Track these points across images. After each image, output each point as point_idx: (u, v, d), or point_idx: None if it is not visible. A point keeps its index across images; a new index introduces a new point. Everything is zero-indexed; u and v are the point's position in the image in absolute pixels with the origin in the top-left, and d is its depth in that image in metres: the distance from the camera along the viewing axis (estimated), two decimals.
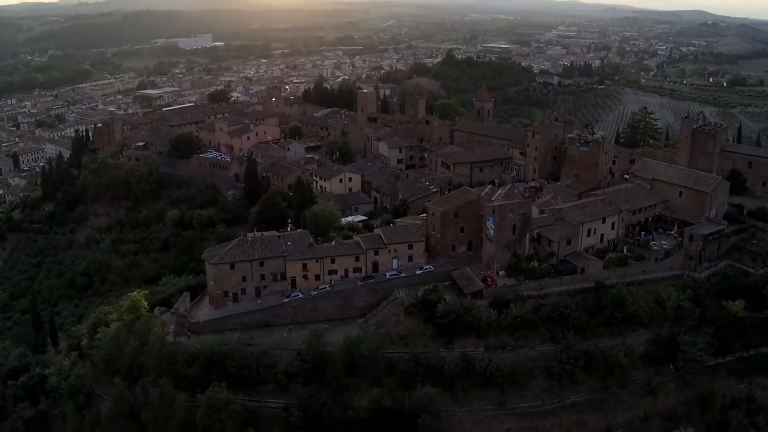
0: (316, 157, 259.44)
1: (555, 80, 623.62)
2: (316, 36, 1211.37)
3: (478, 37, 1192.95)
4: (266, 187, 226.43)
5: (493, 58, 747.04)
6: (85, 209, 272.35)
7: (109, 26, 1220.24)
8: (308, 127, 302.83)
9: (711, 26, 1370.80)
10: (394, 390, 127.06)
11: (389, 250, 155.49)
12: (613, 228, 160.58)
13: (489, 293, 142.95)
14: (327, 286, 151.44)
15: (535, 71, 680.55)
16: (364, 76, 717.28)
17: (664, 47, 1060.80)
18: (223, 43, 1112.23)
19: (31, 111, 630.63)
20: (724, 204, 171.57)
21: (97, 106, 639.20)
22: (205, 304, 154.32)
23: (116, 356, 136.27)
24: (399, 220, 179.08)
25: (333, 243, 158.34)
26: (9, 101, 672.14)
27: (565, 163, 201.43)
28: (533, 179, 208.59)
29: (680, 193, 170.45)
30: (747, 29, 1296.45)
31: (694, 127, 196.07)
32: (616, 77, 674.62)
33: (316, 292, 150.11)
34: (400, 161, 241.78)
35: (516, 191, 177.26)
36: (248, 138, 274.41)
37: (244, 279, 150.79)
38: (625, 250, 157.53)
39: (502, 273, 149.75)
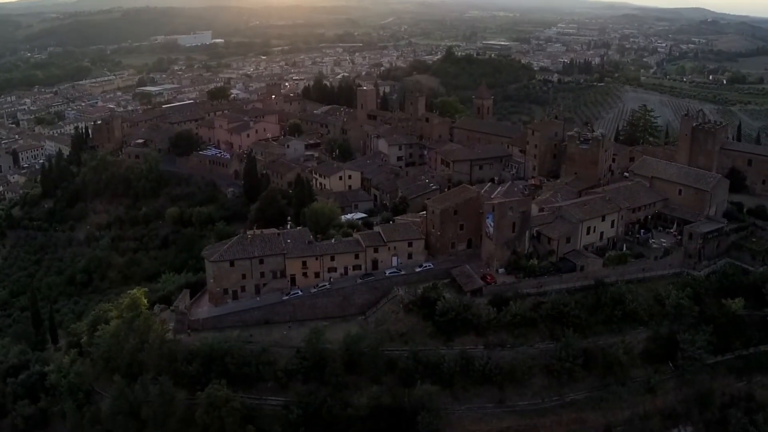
0: (316, 155, 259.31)
1: (555, 77, 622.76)
2: (315, 33, 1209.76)
3: (478, 34, 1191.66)
4: (266, 184, 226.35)
5: (492, 55, 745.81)
6: (84, 206, 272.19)
7: (109, 23, 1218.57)
8: (308, 125, 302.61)
9: (711, 24, 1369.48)
10: (394, 388, 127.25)
11: (389, 248, 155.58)
12: (612, 226, 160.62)
13: (488, 291, 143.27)
14: (326, 283, 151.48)
15: (535, 68, 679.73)
16: (363, 73, 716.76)
17: (663, 44, 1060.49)
18: (222, 40, 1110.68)
19: (31, 108, 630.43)
20: (724, 202, 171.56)
21: (96, 103, 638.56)
22: (205, 302, 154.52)
23: (116, 354, 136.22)
24: (398, 217, 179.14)
25: (333, 241, 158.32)
26: (8, 98, 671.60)
27: (565, 161, 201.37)
28: (533, 177, 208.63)
29: (680, 191, 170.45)
30: (747, 27, 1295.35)
31: (694, 125, 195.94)
32: (616, 75, 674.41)
33: (315, 290, 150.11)
34: (399, 159, 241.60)
35: (516, 189, 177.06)
36: (248, 135, 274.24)
37: (243, 276, 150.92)
38: (624, 248, 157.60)
39: (501, 271, 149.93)
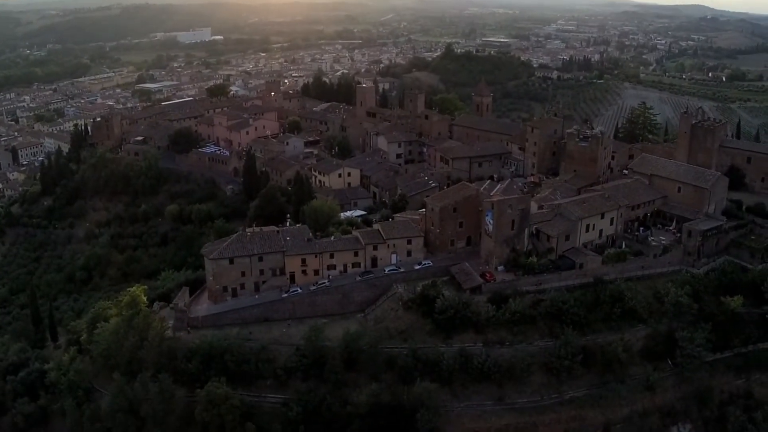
0: (315, 152, 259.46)
1: (554, 74, 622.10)
2: (314, 30, 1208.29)
3: (477, 31, 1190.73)
4: (265, 181, 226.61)
5: (492, 52, 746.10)
6: (84, 204, 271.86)
7: (108, 20, 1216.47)
8: (307, 122, 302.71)
9: (710, 21, 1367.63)
10: (393, 385, 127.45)
11: (388, 246, 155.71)
12: (611, 223, 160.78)
13: (488, 288, 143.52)
14: (326, 281, 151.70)
15: (534, 65, 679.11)
16: (363, 70, 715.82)
17: (663, 42, 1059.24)
18: (221, 37, 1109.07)
19: (30, 105, 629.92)
20: (723, 200, 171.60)
21: (95, 100, 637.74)
22: (204, 299, 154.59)
23: (115, 351, 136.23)
24: (398, 215, 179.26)
25: (332, 238, 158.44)
26: (8, 95, 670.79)
27: (564, 159, 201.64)
28: (532, 174, 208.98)
29: (679, 188, 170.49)
30: (746, 24, 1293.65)
31: (693, 122, 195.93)
32: (616, 72, 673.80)
33: (315, 287, 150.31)
34: (399, 156, 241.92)
35: (515, 186, 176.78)
36: (247, 132, 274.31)
37: (243, 274, 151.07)
38: (623, 246, 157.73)
39: (500, 268, 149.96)
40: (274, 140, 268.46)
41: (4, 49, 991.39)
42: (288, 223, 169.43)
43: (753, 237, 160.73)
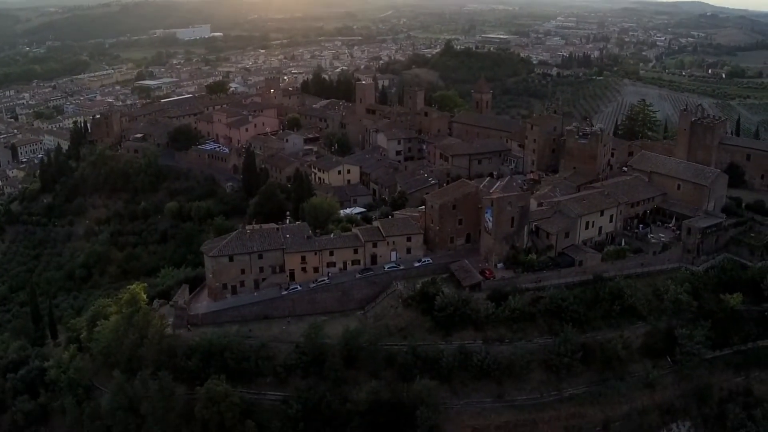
0: (315, 149, 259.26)
1: (554, 71, 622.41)
2: (314, 26, 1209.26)
3: (477, 28, 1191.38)
4: (265, 178, 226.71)
5: (491, 48, 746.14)
6: (83, 201, 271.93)
7: (107, 17, 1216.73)
8: (307, 119, 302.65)
9: (710, 17, 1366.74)
10: (393, 383, 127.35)
11: (388, 243, 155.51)
12: (611, 221, 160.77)
13: (487, 286, 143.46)
14: (325, 278, 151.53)
15: (534, 62, 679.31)
16: (362, 66, 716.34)
17: (662, 38, 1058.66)
18: (221, 34, 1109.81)
19: (30, 102, 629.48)
20: (723, 197, 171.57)
21: (95, 97, 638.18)
22: (204, 297, 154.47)
23: (115, 349, 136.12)
24: (397, 212, 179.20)
25: (331, 235, 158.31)
26: (7, 92, 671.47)
27: (564, 156, 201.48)
28: (532, 171, 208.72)
29: (678, 186, 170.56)
30: (746, 20, 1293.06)
31: (693, 119, 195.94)
32: (615, 68, 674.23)
33: (314, 285, 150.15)
34: (398, 153, 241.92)
35: (514, 183, 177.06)
36: (247, 129, 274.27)
37: (242, 271, 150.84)
38: (623, 243, 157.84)
39: (500, 265, 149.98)
40: (273, 137, 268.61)
41: (3, 46, 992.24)
42: (287, 221, 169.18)
43: (752, 234, 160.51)
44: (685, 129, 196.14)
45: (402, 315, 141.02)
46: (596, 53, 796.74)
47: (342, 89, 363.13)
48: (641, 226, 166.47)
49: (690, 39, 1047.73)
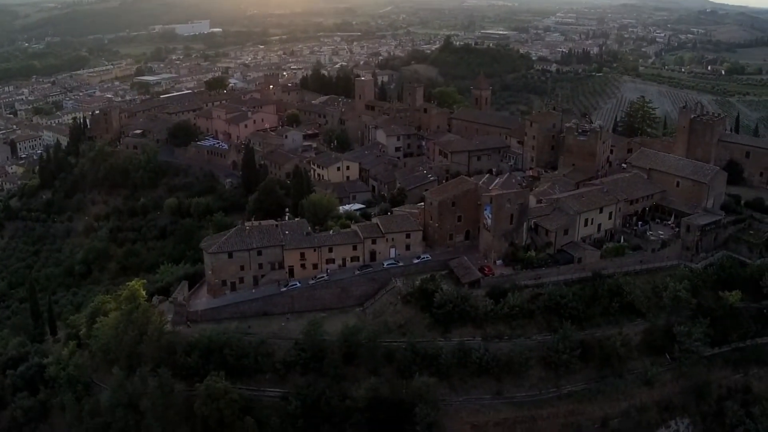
0: (314, 145, 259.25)
1: (553, 67, 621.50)
2: (314, 22, 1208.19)
3: (476, 24, 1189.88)
4: (264, 175, 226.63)
5: (491, 44, 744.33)
6: (82, 197, 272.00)
7: (107, 12, 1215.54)
8: (306, 115, 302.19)
9: (709, 14, 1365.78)
10: (392, 379, 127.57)
11: (387, 240, 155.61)
12: (610, 218, 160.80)
13: (486, 283, 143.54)
14: (325, 275, 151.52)
15: (533, 58, 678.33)
16: (361, 62, 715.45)
17: (662, 35, 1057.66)
18: (220, 29, 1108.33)
19: (29, 98, 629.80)
20: (722, 194, 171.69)
21: (94, 93, 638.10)
22: (203, 293, 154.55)
23: (115, 346, 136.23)
24: (397, 209, 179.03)
25: (331, 232, 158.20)
26: (6, 88, 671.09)
27: (563, 153, 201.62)
28: (531, 168, 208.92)
29: (678, 183, 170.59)
30: (746, 17, 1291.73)
31: (692, 116, 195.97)
32: (614, 65, 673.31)
33: (313, 281, 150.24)
34: (397, 149, 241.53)
35: (513, 180, 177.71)
36: (246, 126, 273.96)
37: (242, 268, 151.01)
38: (622, 240, 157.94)
39: (499, 262, 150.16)
40: (272, 133, 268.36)
41: (2, 42, 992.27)
42: (287, 217, 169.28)
43: (751, 232, 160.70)
44: (684, 126, 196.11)
45: (401, 312, 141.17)
46: (596, 49, 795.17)
47: (341, 85, 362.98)
48: (640, 223, 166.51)
49: (689, 35, 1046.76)
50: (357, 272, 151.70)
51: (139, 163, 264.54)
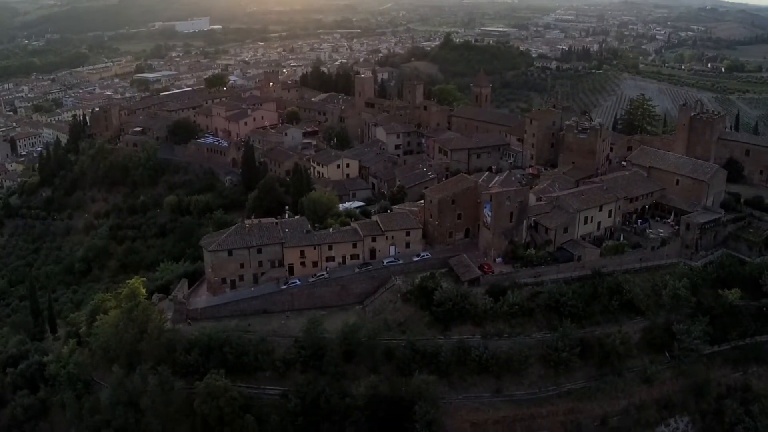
0: (314, 143, 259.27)
1: (553, 64, 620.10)
2: (313, 19, 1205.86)
3: (476, 21, 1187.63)
4: (264, 172, 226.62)
5: (491, 41, 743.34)
6: (82, 195, 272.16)
7: (106, 9, 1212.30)
8: (306, 112, 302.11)
9: (710, 11, 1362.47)
10: (391, 377, 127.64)
11: (387, 237, 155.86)
12: (610, 216, 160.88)
13: (486, 281, 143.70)
14: (324, 273, 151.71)
15: (533, 55, 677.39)
16: (361, 59, 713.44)
17: (662, 32, 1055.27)
18: (220, 26, 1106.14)
19: (28, 95, 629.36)
20: (721, 192, 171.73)
21: (94, 90, 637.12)
22: (203, 291, 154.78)
23: (115, 344, 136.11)
24: (396, 206, 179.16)
25: (330, 230, 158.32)
26: (6, 85, 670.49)
27: (563, 150, 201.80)
28: (530, 166, 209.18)
29: (677, 181, 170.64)
30: (746, 15, 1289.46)
31: (692, 114, 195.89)
32: (614, 62, 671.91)
33: (313, 279, 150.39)
34: (397, 147, 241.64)
35: (513, 178, 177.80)
36: (246, 123, 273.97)
37: (241, 266, 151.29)
38: (621, 238, 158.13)
39: (499, 260, 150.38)
40: (272, 131, 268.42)
41: (2, 39, 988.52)
42: (286, 215, 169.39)
43: (751, 230, 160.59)
44: (684, 124, 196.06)
45: (401, 310, 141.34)
46: (595, 47, 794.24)
47: (341, 82, 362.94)
48: (640, 221, 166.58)
49: (689, 33, 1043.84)
50: (357, 270, 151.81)
51: (139, 160, 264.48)
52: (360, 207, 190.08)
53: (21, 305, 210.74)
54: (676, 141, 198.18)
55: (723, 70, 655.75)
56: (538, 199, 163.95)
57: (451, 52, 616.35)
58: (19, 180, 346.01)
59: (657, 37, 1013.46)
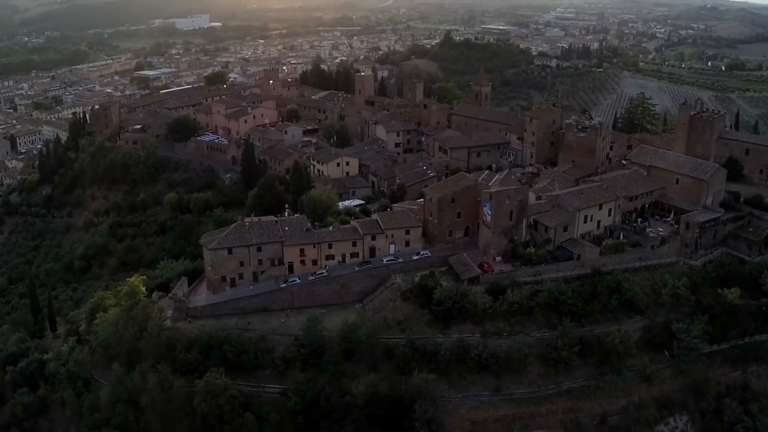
0: (314, 141, 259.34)
1: (553, 63, 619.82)
2: (313, 16, 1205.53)
3: (476, 18, 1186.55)
4: (264, 170, 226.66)
5: (491, 39, 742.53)
6: (82, 192, 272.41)
7: (106, 6, 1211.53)
8: (306, 110, 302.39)
9: (710, 9, 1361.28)
10: (391, 376, 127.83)
11: (386, 236, 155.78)
12: (609, 214, 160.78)
13: (485, 279, 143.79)
14: (324, 271, 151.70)
15: (534, 53, 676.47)
16: (361, 57, 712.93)
17: (662, 30, 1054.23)
18: (220, 24, 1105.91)
19: (28, 93, 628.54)
20: (721, 191, 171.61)
21: (94, 87, 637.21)
22: (203, 289, 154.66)
23: (114, 342, 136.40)
24: (396, 205, 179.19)
25: (330, 228, 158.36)
26: (6, 83, 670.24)
27: (563, 149, 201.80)
28: (530, 164, 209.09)
29: (677, 180, 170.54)
30: (746, 13, 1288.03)
31: (692, 113, 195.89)
32: (615, 60, 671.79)
33: (313, 278, 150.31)
34: (397, 145, 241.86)
35: (513, 177, 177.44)
36: (246, 121, 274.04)
37: (241, 264, 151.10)
38: (621, 237, 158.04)
39: (498, 259, 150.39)
40: (272, 129, 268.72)
41: (2, 36, 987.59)
42: (286, 213, 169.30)
43: (751, 229, 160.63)
44: (684, 123, 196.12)
45: (400, 308, 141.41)
46: (596, 45, 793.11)
47: (341, 80, 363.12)
48: (640, 220, 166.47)
49: (690, 31, 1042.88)
50: (356, 268, 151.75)
51: (139, 158, 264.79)
52: (360, 205, 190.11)
53: (21, 303, 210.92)
54: (676, 140, 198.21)
55: (723, 68, 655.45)
56: (538, 197, 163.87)
57: (451, 50, 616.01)
58: (19, 177, 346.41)
59: (657, 35, 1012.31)
